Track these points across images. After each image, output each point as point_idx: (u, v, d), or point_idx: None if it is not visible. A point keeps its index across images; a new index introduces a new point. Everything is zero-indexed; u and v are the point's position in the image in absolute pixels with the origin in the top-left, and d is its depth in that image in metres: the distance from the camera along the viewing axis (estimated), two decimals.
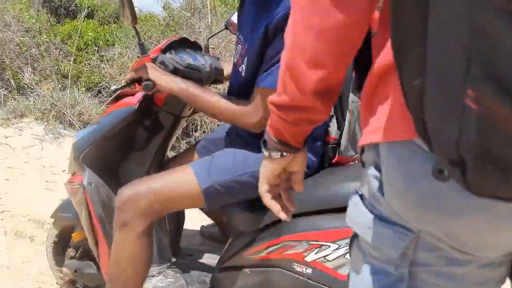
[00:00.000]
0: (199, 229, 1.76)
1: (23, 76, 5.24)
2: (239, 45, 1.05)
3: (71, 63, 5.10)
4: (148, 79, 1.07)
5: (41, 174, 2.88)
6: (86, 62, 5.22)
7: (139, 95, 1.28)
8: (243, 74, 1.02)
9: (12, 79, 5.21)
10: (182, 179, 1.05)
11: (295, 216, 1.01)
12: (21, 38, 5.95)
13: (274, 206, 0.64)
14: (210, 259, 1.46)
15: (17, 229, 2.25)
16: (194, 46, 1.32)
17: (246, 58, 1.00)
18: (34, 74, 5.35)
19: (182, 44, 1.29)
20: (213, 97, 1.05)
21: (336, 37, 0.45)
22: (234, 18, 1.34)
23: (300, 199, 1.04)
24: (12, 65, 5.39)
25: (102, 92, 4.33)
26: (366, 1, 0.44)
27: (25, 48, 5.79)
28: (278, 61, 0.88)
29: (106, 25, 7.24)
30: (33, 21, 6.51)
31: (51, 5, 8.40)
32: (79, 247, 1.54)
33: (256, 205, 1.06)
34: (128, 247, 1.05)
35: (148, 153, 1.36)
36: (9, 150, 3.23)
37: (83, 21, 7.33)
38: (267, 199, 0.65)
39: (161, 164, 1.41)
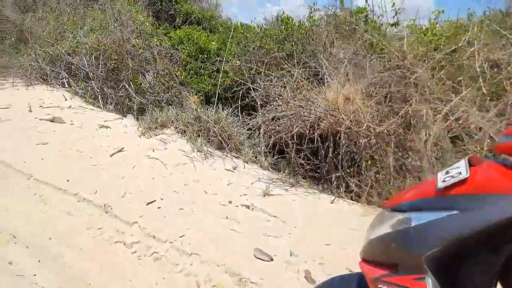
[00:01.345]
0: None
1: (144, 78, 5.04)
2: None
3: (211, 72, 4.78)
4: None
5: (210, 203, 2.46)
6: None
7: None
8: None
9: (132, 82, 5.02)
10: None
11: None
12: (136, 40, 5.83)
13: None
14: None
15: (214, 283, 1.81)
16: None
17: None
18: (153, 77, 5.13)
19: None
20: None
21: None
22: None
23: None
24: (132, 66, 5.20)
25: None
26: None
27: (141, 50, 5.64)
28: None
29: (215, 33, 7.06)
30: (147, 24, 6.42)
31: (154, 8, 8.49)
32: None
33: None
34: None
35: (502, 255, 0.88)
36: (161, 166, 2.88)
37: (191, 27, 7.21)
38: None
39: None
